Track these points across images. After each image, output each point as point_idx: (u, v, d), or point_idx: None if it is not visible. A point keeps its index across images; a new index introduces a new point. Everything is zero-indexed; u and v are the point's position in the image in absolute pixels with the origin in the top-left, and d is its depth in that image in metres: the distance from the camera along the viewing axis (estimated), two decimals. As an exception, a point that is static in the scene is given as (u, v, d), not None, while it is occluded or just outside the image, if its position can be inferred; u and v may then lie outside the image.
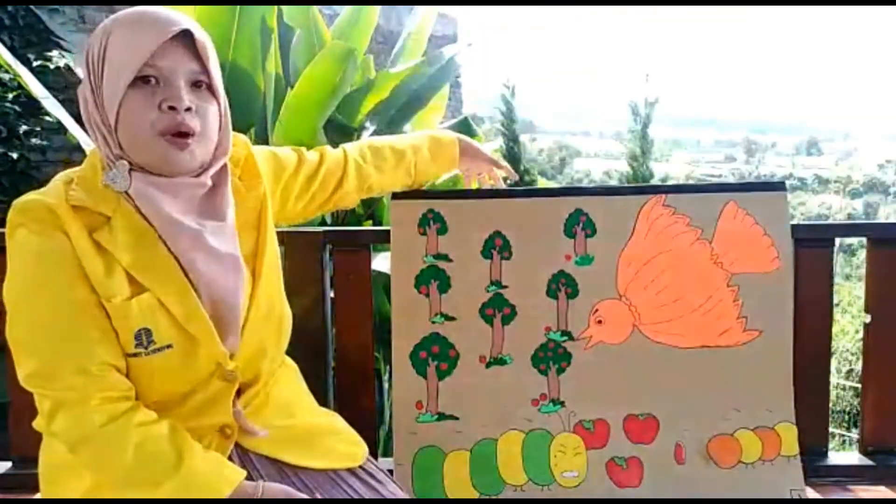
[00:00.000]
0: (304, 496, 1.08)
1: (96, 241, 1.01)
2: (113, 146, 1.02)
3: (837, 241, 1.86)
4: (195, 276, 1.04)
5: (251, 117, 3.65)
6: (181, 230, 1.03)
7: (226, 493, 1.01)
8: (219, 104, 1.07)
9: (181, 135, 1.01)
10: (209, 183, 1.08)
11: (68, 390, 0.99)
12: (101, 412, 0.99)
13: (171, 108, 1.00)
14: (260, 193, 1.19)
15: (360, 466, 1.22)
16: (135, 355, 1.02)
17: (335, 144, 1.46)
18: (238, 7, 3.45)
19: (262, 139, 3.89)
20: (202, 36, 1.04)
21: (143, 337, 1.02)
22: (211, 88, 1.05)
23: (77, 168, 1.09)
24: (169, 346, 1.03)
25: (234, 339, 1.09)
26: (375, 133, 3.80)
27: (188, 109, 1.01)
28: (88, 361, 0.99)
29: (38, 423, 1.14)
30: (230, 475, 1.04)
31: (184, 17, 1.03)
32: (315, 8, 4.04)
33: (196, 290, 1.04)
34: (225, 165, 1.12)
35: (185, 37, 1.01)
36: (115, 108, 1.00)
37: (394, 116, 3.95)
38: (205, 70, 1.04)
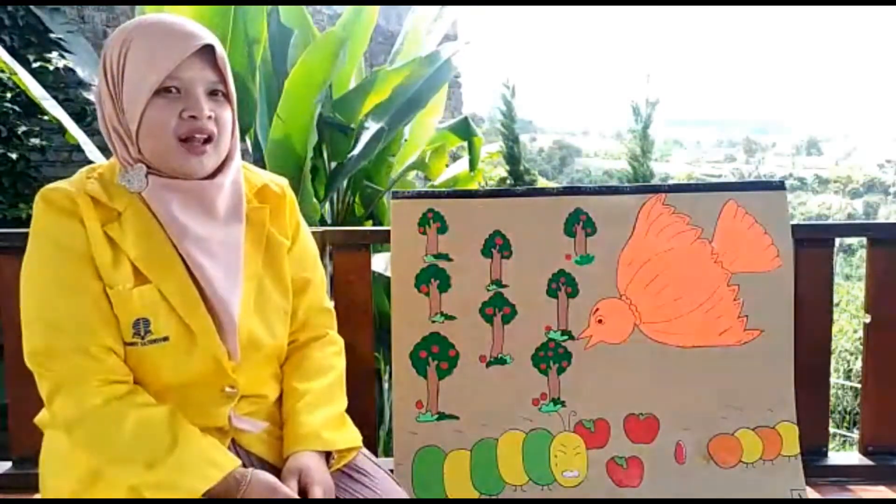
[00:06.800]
0: (291, 491, 1.08)
1: (107, 233, 1.06)
2: (132, 150, 1.07)
3: (837, 241, 1.87)
4: (198, 273, 1.08)
5: (248, 118, 3.69)
6: (188, 231, 1.07)
7: (216, 479, 1.02)
8: (232, 110, 1.12)
9: (200, 140, 1.06)
10: (226, 185, 1.12)
11: (68, 370, 1.03)
12: (99, 394, 1.02)
13: (192, 116, 1.05)
14: (268, 217, 1.20)
15: (353, 465, 1.22)
16: (132, 344, 1.06)
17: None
18: (233, 9, 3.47)
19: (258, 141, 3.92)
20: (221, 49, 1.09)
21: (141, 326, 1.05)
22: (227, 96, 1.11)
23: (102, 163, 1.14)
24: (165, 339, 1.06)
25: (234, 345, 1.10)
26: (377, 133, 3.79)
27: (208, 117, 1.06)
28: (89, 342, 1.03)
29: (40, 418, 1.16)
30: (223, 461, 1.05)
31: (204, 30, 1.09)
32: (305, 8, 4.07)
33: (199, 287, 1.08)
34: (239, 176, 1.16)
35: (206, 49, 1.07)
36: (137, 115, 1.05)
37: (393, 117, 3.96)
38: (223, 79, 1.09)
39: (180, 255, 1.08)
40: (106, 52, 1.07)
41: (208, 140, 1.07)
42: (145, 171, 1.07)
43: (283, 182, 1.27)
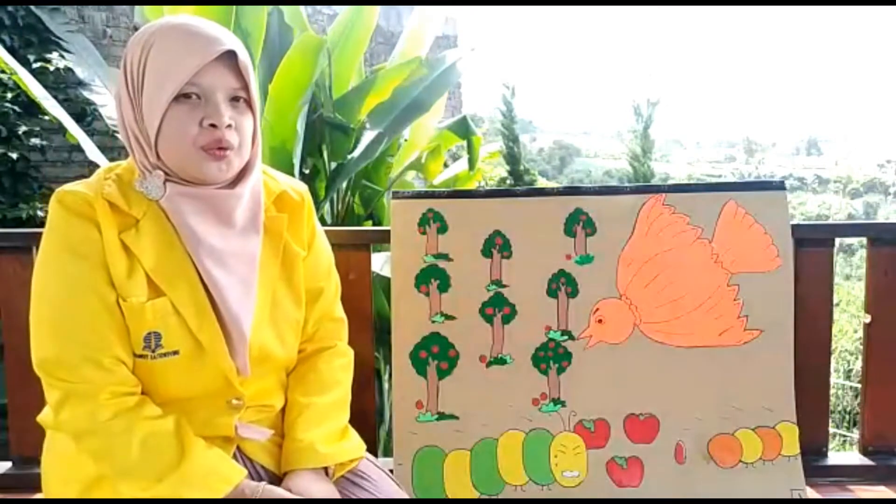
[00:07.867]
0: (300, 498, 1.08)
1: (123, 241, 1.03)
2: (150, 156, 1.05)
3: (837, 241, 1.87)
4: (212, 286, 1.05)
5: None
6: (203, 241, 1.05)
7: (224, 492, 1.02)
8: (254, 117, 1.09)
9: (220, 149, 1.04)
10: (245, 195, 1.09)
11: (79, 382, 1.01)
12: (109, 406, 1.01)
13: (212, 125, 1.02)
14: (286, 225, 1.17)
15: (354, 470, 1.22)
16: (141, 357, 1.04)
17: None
18: (233, 9, 3.47)
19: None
20: (245, 55, 1.06)
21: (152, 340, 1.03)
22: (248, 102, 1.08)
23: (120, 163, 1.12)
24: (175, 353, 1.04)
25: (243, 360, 1.08)
26: (378, 136, 3.79)
27: (228, 126, 1.04)
28: (102, 354, 1.01)
29: (42, 418, 1.15)
30: (230, 474, 1.04)
31: (227, 35, 1.05)
32: (302, 8, 4.07)
33: (212, 300, 1.06)
34: (259, 184, 1.14)
35: (228, 54, 1.03)
36: (156, 121, 1.02)
37: (395, 120, 3.95)
38: (244, 86, 1.06)
39: (195, 266, 1.05)
40: (126, 54, 1.05)
41: (229, 149, 1.05)
42: (163, 179, 1.04)
43: (303, 188, 1.24)
